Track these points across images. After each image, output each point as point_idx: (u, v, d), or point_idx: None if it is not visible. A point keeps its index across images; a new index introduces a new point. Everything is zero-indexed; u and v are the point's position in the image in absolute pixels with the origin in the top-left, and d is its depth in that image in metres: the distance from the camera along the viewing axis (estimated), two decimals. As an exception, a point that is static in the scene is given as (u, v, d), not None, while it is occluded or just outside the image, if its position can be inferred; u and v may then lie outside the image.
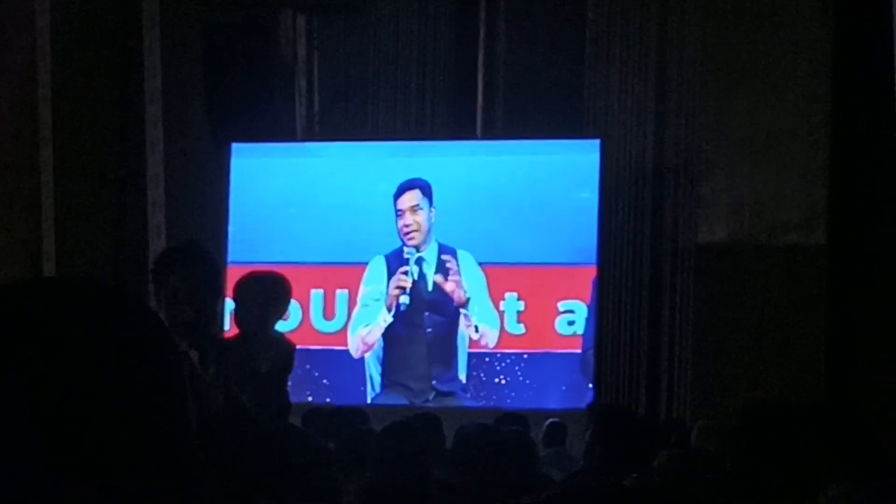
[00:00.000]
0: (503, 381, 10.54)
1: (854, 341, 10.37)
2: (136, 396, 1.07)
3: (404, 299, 10.44)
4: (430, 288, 10.51)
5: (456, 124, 12.11)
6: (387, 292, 10.49)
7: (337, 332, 10.74)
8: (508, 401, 10.30)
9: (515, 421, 7.70)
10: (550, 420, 8.79)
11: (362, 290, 10.64)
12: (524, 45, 11.92)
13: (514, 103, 11.87)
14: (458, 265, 10.45)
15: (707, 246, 10.76)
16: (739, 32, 10.65)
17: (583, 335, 10.50)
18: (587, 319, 10.50)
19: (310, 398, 10.01)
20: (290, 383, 5.44)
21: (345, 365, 10.67)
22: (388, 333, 10.57)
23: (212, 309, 4.39)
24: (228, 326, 10.02)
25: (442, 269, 10.47)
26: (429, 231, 10.51)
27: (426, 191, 10.55)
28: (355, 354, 10.66)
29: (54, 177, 10.92)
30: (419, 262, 10.51)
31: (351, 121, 12.33)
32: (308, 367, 10.15)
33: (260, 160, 11.24)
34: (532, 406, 9.97)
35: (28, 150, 11.00)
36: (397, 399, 10.45)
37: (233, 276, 7.19)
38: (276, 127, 12.10)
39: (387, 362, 10.62)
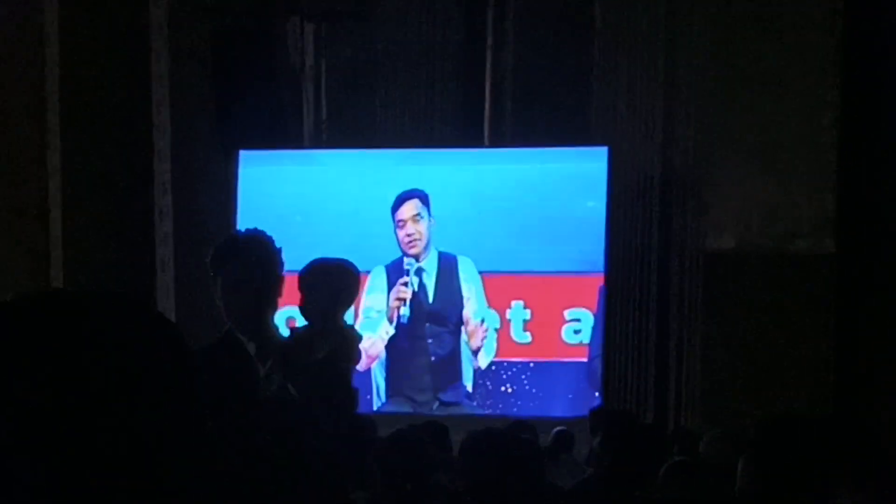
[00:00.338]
0: (509, 390, 10.54)
1: (863, 349, 10.35)
2: (149, 405, 1.09)
3: (405, 311, 10.42)
4: (430, 299, 10.51)
5: (463, 133, 12.12)
6: (387, 303, 10.48)
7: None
8: (515, 409, 10.30)
9: (526, 429, 7.70)
10: (557, 428, 8.80)
11: (364, 301, 10.63)
12: (532, 53, 11.92)
13: (522, 112, 11.88)
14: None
15: (715, 253, 10.75)
16: (747, 40, 10.64)
17: (589, 344, 10.50)
18: (593, 328, 10.50)
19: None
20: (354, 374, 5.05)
21: (351, 373, 10.66)
22: (390, 345, 10.56)
23: (271, 297, 4.22)
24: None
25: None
26: (429, 241, 10.52)
27: (425, 200, 10.57)
28: (360, 368, 10.67)
29: (62, 185, 10.93)
30: (419, 272, 10.51)
31: (359, 128, 12.34)
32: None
33: (268, 168, 11.25)
34: (538, 414, 9.96)
35: (36, 157, 11.01)
36: (403, 408, 10.45)
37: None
38: (283, 134, 12.11)
39: (391, 374, 10.62)
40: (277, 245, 4.19)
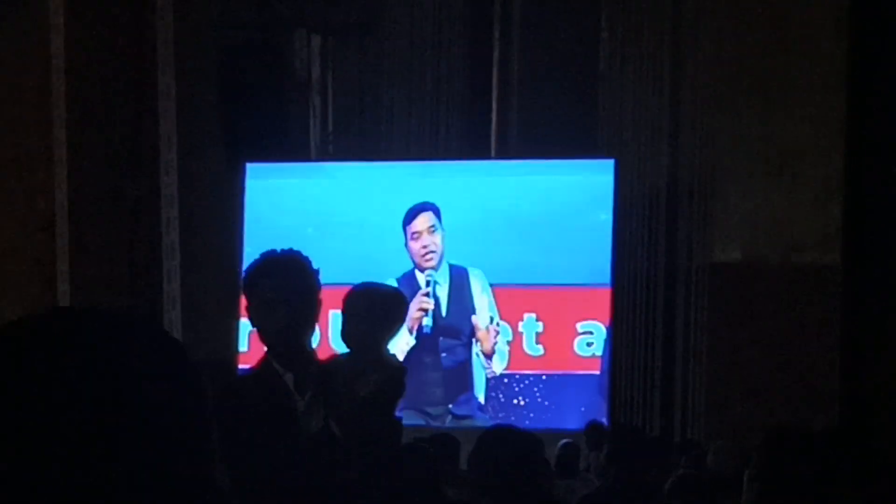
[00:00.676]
0: (522, 402, 10.52)
1: (869, 361, 10.34)
2: (155, 424, 1.10)
3: (427, 321, 10.40)
4: (444, 312, 10.49)
5: (470, 145, 12.13)
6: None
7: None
8: (527, 422, 10.27)
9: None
10: (564, 440, 8.78)
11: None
12: (538, 65, 11.94)
13: (528, 124, 11.89)
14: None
15: (722, 265, 10.75)
16: (753, 51, 10.65)
17: (601, 356, 10.47)
18: (606, 340, 10.48)
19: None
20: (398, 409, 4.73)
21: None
22: (408, 358, 10.48)
23: (309, 320, 4.02)
24: (246, 347, 10.06)
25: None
26: (442, 253, 10.52)
27: (437, 213, 10.57)
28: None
29: (69, 197, 10.96)
30: (433, 284, 10.49)
31: (365, 141, 12.36)
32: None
33: (274, 180, 11.25)
34: (550, 426, 9.93)
35: (43, 170, 11.04)
36: (416, 420, 10.43)
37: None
38: (290, 146, 12.13)
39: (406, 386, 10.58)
40: (315, 266, 4.00)
